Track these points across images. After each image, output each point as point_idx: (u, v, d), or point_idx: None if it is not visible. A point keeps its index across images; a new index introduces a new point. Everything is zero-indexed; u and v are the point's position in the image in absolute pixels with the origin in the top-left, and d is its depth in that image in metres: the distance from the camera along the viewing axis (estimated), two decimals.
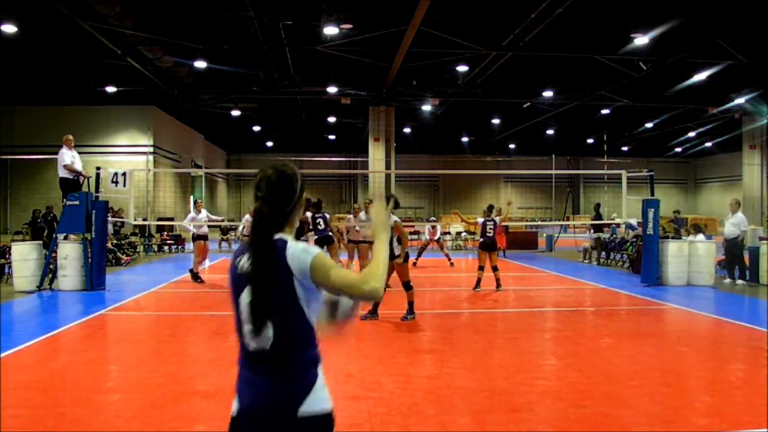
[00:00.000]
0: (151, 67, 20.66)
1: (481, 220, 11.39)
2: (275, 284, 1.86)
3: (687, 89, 22.77)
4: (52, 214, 18.62)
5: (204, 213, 12.64)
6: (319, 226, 11.93)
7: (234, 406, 1.95)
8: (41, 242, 12.06)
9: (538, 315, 9.14)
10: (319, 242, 11.65)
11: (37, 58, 19.56)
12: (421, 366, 5.87)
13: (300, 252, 1.87)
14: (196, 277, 12.06)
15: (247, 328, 1.91)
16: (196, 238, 12.23)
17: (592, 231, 17.71)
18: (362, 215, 13.17)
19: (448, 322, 8.36)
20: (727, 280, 12.21)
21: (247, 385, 1.93)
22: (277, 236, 1.93)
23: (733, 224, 12.13)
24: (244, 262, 1.95)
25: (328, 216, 12.31)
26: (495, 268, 10.92)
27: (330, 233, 12.25)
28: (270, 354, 1.88)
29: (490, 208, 12.12)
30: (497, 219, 12.14)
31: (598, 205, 18.74)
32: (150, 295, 10.51)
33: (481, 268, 11.05)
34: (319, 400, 1.89)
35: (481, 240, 11.28)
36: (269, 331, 1.87)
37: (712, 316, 8.71)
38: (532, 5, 14.56)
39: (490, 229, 11.16)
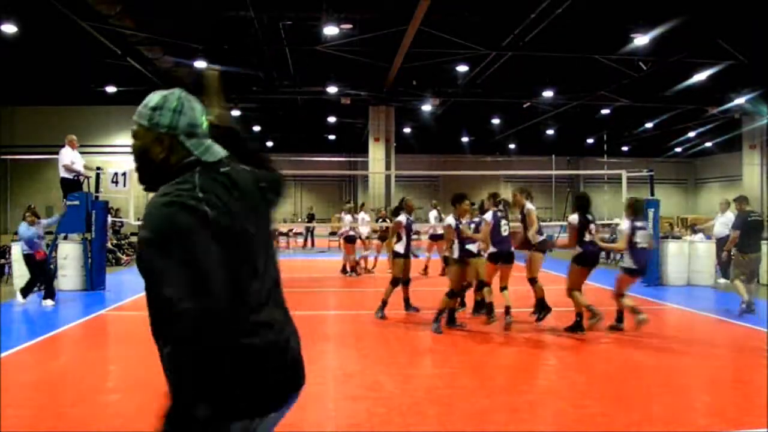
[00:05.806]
0: (151, 67, 20.65)
1: (489, 216, 7.89)
2: None
3: (687, 89, 22.75)
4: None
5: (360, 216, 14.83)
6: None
7: None
8: None
9: None
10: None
11: (37, 58, 19.54)
12: (421, 366, 5.87)
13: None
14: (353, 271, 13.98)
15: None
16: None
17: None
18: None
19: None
20: (719, 279, 12.30)
21: None
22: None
23: (722, 224, 12.35)
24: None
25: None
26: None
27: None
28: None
29: (495, 196, 8.65)
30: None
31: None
32: None
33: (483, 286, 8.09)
34: None
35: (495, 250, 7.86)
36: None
37: (712, 316, 8.71)
38: (532, 5, 14.55)
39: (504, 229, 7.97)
